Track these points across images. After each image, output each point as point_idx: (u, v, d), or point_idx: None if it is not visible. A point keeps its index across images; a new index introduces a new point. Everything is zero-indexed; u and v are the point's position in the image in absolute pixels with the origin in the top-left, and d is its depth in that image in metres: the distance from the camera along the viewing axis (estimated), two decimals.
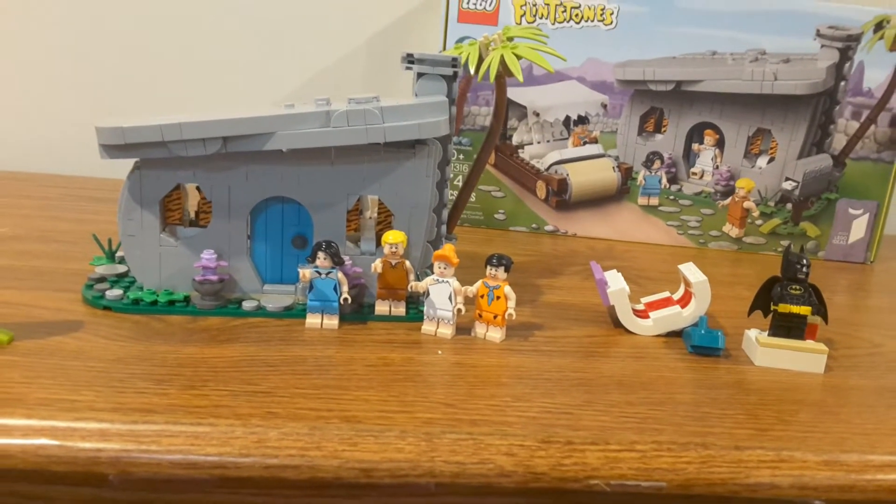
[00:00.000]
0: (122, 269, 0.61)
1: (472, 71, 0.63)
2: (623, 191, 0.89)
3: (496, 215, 0.90)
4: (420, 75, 0.59)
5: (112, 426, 0.42)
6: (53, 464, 0.40)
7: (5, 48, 0.98)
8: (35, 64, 0.99)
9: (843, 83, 0.84)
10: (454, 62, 0.59)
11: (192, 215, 0.62)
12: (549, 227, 0.90)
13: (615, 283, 0.61)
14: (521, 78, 0.61)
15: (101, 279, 0.60)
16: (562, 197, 0.89)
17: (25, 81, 0.99)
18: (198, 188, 0.59)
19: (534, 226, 0.90)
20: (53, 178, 0.97)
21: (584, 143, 0.88)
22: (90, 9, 0.97)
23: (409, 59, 0.59)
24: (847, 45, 0.83)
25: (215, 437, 0.42)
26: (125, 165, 0.56)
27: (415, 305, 0.60)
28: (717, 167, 0.88)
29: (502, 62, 0.61)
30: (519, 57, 0.62)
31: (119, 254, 0.63)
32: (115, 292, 0.57)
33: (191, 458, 0.41)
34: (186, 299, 0.58)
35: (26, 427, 0.41)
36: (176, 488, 0.42)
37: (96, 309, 0.57)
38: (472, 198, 0.89)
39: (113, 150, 0.53)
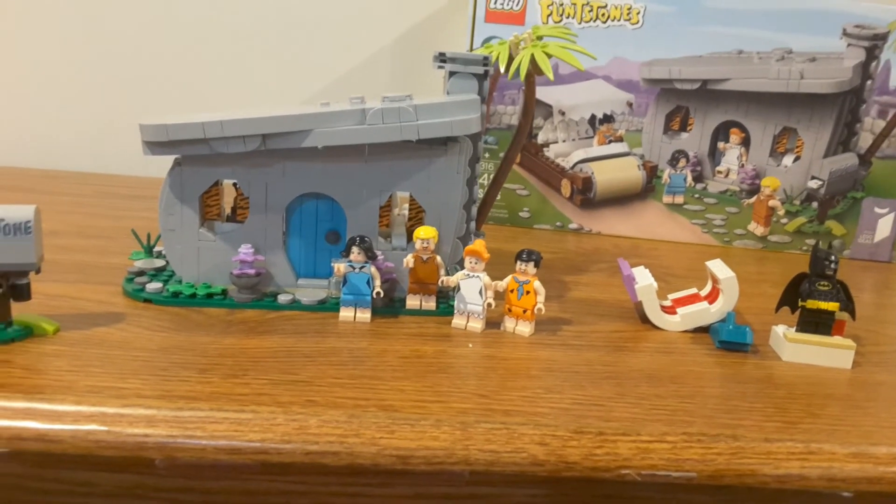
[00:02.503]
0: (160, 263, 0.63)
1: (502, 70, 0.64)
2: (648, 189, 0.89)
3: (521, 213, 0.91)
4: (452, 74, 0.60)
5: (159, 412, 0.43)
6: (102, 448, 0.42)
7: (40, 48, 1.00)
8: (68, 65, 1.01)
9: (869, 82, 0.84)
10: (486, 61, 0.60)
11: (229, 211, 0.63)
12: (573, 226, 0.91)
13: (643, 279, 0.62)
14: (551, 76, 0.62)
15: (141, 273, 0.61)
16: (586, 195, 0.90)
17: (60, 81, 1.02)
18: (234, 185, 0.60)
19: (558, 224, 0.91)
20: (86, 175, 0.99)
21: (610, 141, 0.89)
22: (124, 8, 0.99)
23: (441, 58, 0.60)
24: (873, 43, 0.83)
25: (258, 424, 0.43)
26: (156, 164, 0.57)
27: (445, 300, 0.61)
28: (743, 165, 0.88)
29: (532, 61, 0.62)
30: (549, 55, 0.63)
31: (157, 248, 0.65)
32: (155, 285, 0.58)
33: (234, 443, 0.42)
34: (224, 292, 0.59)
35: (76, 413, 0.43)
36: (218, 475, 0.43)
37: (137, 301, 0.58)
38: (498, 196, 0.90)
39: (156, 146, 0.55)
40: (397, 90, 0.60)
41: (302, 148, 0.56)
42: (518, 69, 0.63)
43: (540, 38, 0.65)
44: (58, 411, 0.43)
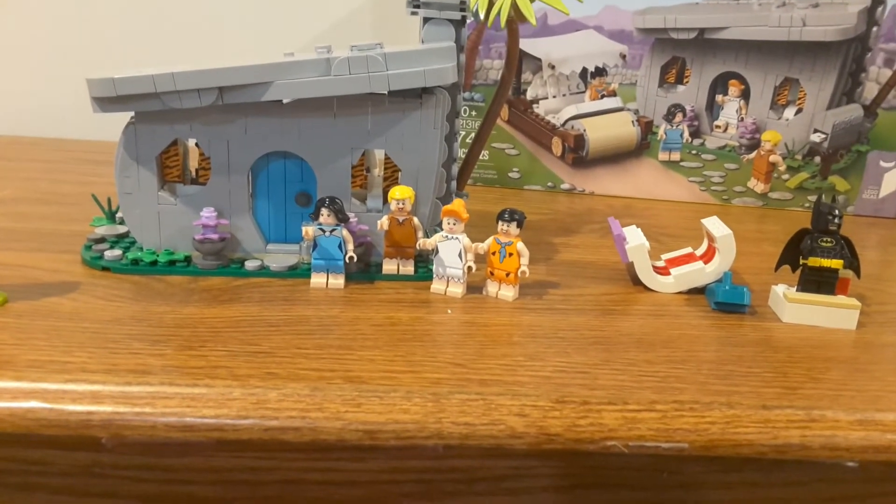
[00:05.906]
0: (122, 229, 0.59)
1: (481, 16, 0.59)
2: (643, 146, 0.85)
3: (510, 174, 0.87)
4: (426, 20, 0.56)
5: (104, 388, 0.40)
6: (43, 427, 0.39)
7: (7, 12, 0.96)
8: (37, 27, 0.97)
9: (875, 28, 0.80)
10: (462, 5, 0.55)
11: (194, 173, 0.59)
12: (565, 186, 0.87)
13: (634, 238, 0.58)
14: (534, 22, 0.58)
15: (101, 240, 0.58)
16: (578, 153, 0.86)
17: (28, 45, 0.97)
18: (197, 144, 0.57)
19: (549, 184, 0.87)
20: (58, 141, 0.95)
21: (602, 96, 0.85)
22: None
23: (415, 3, 0.55)
24: None
25: (212, 399, 0.40)
26: None
27: (424, 264, 0.58)
28: (742, 119, 0.84)
29: (514, 6, 0.58)
30: (532, 0, 0.58)
31: (119, 214, 0.62)
32: (113, 252, 0.55)
33: (186, 420, 0.39)
34: (187, 259, 0.56)
35: (15, 389, 0.40)
36: (174, 452, 0.40)
37: (95, 270, 0.55)
38: (486, 156, 0.86)
39: (105, 102, 0.51)
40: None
41: (264, 102, 0.52)
42: (498, 16, 0.58)
43: None
44: None
